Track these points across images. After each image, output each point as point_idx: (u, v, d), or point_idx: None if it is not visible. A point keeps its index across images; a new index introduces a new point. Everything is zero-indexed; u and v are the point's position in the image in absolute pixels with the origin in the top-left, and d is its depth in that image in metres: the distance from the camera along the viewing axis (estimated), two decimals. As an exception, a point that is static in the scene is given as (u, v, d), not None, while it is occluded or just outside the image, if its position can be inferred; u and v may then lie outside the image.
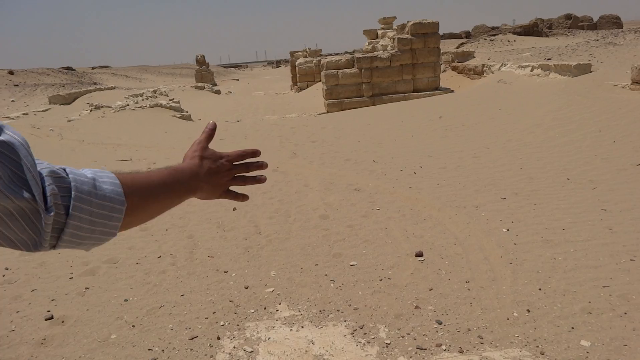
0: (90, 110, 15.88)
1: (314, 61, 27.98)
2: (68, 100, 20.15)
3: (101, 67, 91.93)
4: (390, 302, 3.70)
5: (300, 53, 31.33)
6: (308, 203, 6.25)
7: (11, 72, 32.72)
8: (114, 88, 26.17)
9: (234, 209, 6.20)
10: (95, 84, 30.62)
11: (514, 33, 30.93)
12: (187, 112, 16.10)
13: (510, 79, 14.09)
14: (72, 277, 4.48)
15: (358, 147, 9.42)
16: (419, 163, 7.84)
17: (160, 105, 15.98)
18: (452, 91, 16.52)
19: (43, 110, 17.86)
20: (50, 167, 0.70)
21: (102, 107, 16.12)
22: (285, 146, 10.05)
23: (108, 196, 0.74)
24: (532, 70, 13.93)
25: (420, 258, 4.38)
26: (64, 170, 0.71)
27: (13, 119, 15.68)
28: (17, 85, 25.43)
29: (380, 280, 4.04)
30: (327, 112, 16.17)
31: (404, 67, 16.24)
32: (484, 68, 17.02)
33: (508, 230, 4.84)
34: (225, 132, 12.42)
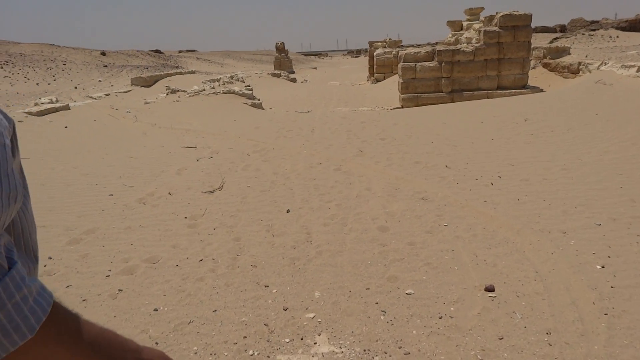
0: (167, 94, 16.18)
1: (393, 52, 27.07)
2: (149, 82, 20.82)
3: (188, 51, 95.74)
4: (450, 349, 3.08)
5: (380, 43, 30.46)
6: (368, 210, 5.69)
7: (103, 54, 34.64)
8: (193, 72, 26.80)
9: (288, 211, 5.77)
10: (177, 67, 31.63)
11: (617, 28, 28.14)
12: (259, 100, 15.96)
13: (610, 80, 12.56)
14: (109, 275, 4.26)
15: (430, 148, 8.67)
16: (498, 172, 7.00)
17: (233, 92, 15.96)
18: (542, 90, 15.12)
19: (124, 92, 18.52)
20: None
21: (178, 91, 16.38)
22: (352, 142, 9.50)
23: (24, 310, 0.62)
24: (638, 71, 12.32)
25: (490, 294, 3.70)
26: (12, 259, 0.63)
27: (95, 98, 16.35)
28: (105, 66, 26.78)
29: (440, 318, 3.42)
30: (402, 107, 15.39)
31: (488, 62, 15.06)
32: (580, 66, 15.41)
33: (603, 267, 4.01)
34: (294, 123, 12.07)
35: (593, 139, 8.42)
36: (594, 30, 28.32)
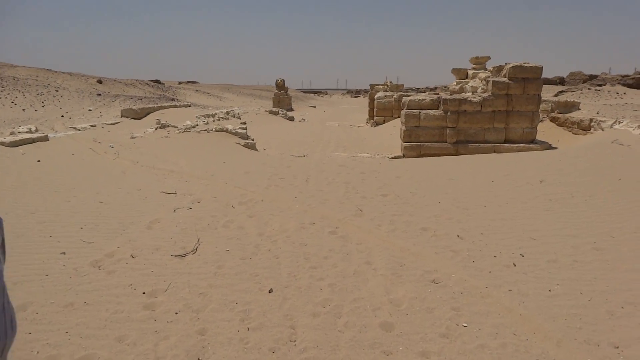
0: (156, 129, 15.30)
1: (394, 96, 26.55)
2: (140, 115, 19.97)
3: (189, 82, 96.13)
4: None
5: (381, 86, 30.02)
6: (368, 296, 4.65)
7: (100, 81, 34.01)
8: (189, 105, 26.06)
9: (270, 291, 4.73)
10: (173, 99, 30.96)
11: (623, 84, 27.79)
12: (252, 140, 15.08)
13: (627, 141, 11.78)
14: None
15: (438, 210, 7.70)
16: (519, 247, 6.01)
17: (226, 130, 15.09)
18: (551, 146, 14.34)
19: (112, 124, 17.64)
20: None
21: (168, 126, 15.50)
22: (350, 197, 8.53)
23: None
24: (656, 133, 11.57)
25: None
26: None
27: (79, 129, 15.42)
28: (99, 95, 26.03)
29: None
30: (404, 156, 14.54)
31: (496, 113, 14.33)
32: (592, 123, 14.69)
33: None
34: (288, 169, 11.13)
35: (621, 209, 7.48)
36: (599, 85, 27.97)
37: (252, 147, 14.66)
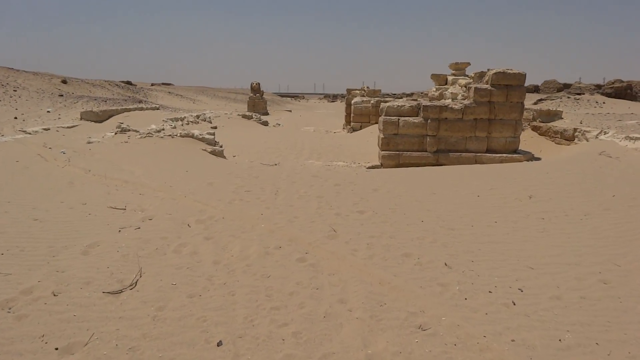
0: (115, 133, 14.15)
1: (372, 101, 25.85)
2: (101, 117, 18.69)
3: (163, 84, 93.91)
4: None
5: (358, 91, 29.29)
6: (340, 350, 3.76)
7: (64, 81, 32.31)
8: (157, 108, 24.85)
9: (219, 344, 3.79)
10: (141, 102, 29.59)
11: (602, 94, 27.64)
12: (220, 146, 14.06)
13: (615, 152, 11.21)
14: None
15: (421, 231, 6.86)
16: (515, 279, 5.21)
17: (192, 136, 14.04)
18: (533, 156, 13.75)
19: (68, 127, 16.36)
20: None
21: (128, 130, 14.36)
22: (323, 214, 7.63)
23: None
24: (645, 144, 11.03)
25: None
26: None
27: (30, 133, 14.14)
28: (61, 96, 24.52)
29: None
30: (381, 166, 13.73)
31: (478, 121, 13.66)
32: (577, 133, 14.16)
33: None
34: (256, 180, 10.17)
35: (621, 232, 6.77)
36: (578, 94, 27.84)
37: (220, 154, 13.65)
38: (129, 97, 36.44)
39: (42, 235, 6.21)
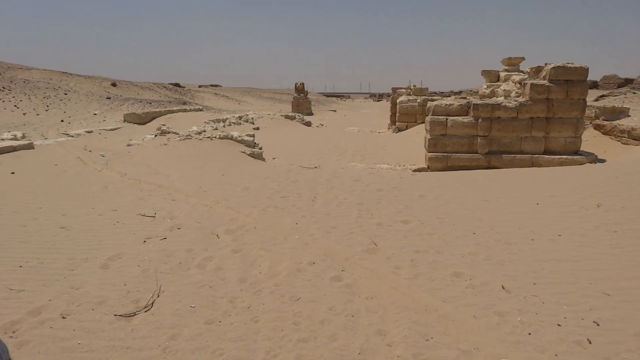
0: (155, 135, 14.02)
1: (418, 100, 24.91)
2: (144, 119, 18.76)
3: (212, 85, 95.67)
4: None
5: (404, 90, 28.36)
6: (377, 401, 3.11)
7: (114, 84, 33.11)
8: (201, 110, 24.87)
9: (234, 387, 3.23)
10: (185, 103, 29.83)
11: (672, 88, 25.38)
12: (260, 148, 13.66)
13: (696, 154, 9.96)
14: None
15: (473, 246, 6.10)
16: (589, 308, 4.39)
17: (231, 138, 13.70)
18: (597, 157, 12.55)
19: (111, 129, 16.43)
20: None
21: (168, 132, 14.20)
22: (363, 224, 6.98)
23: None
24: None
25: None
26: None
27: (72, 136, 14.23)
28: (109, 98, 25.00)
29: None
30: (428, 169, 12.91)
31: (534, 120, 12.60)
32: (647, 132, 12.84)
33: None
34: (294, 184, 9.65)
35: None
36: (645, 89, 25.72)
37: (259, 156, 13.23)
38: (175, 98, 36.99)
39: (65, 246, 5.89)
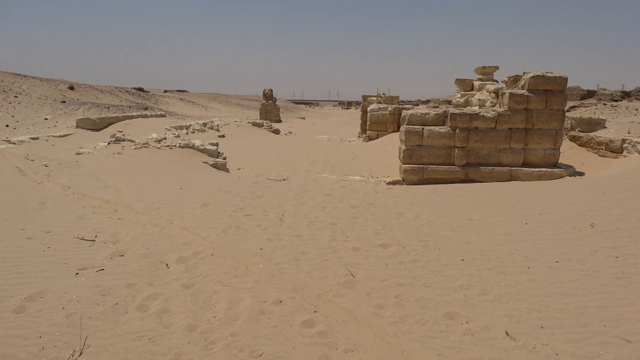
0: (108, 143, 12.83)
1: (389, 109, 24.36)
2: (99, 125, 17.45)
3: (178, 91, 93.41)
4: None
5: (375, 98, 27.81)
6: None
7: (71, 88, 31.33)
8: (163, 115, 23.60)
9: None
10: (146, 108, 28.43)
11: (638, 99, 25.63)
12: (224, 158, 12.67)
13: (681, 169, 9.54)
14: None
15: (464, 275, 5.32)
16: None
17: (193, 147, 12.66)
18: (575, 170, 12.10)
19: (61, 136, 15.10)
20: None
21: (123, 140, 13.04)
22: (337, 250, 6.12)
23: None
24: None
25: None
26: None
27: (14, 143, 12.89)
28: (63, 102, 23.44)
29: None
30: (403, 181, 12.19)
31: (513, 131, 12.06)
32: (625, 144, 12.47)
33: None
34: (259, 200, 8.72)
35: None
36: (615, 101, 25.93)
37: (223, 167, 12.24)
38: (138, 103, 35.41)
39: (-25, 281, 4.80)
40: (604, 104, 24.18)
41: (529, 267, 5.60)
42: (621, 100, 25.34)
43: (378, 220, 7.51)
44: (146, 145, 12.61)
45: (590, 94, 57.75)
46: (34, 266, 5.23)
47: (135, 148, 12.37)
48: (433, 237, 6.71)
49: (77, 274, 5.07)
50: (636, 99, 33.40)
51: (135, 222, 7.04)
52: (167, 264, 5.45)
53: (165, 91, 72.45)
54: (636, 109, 21.88)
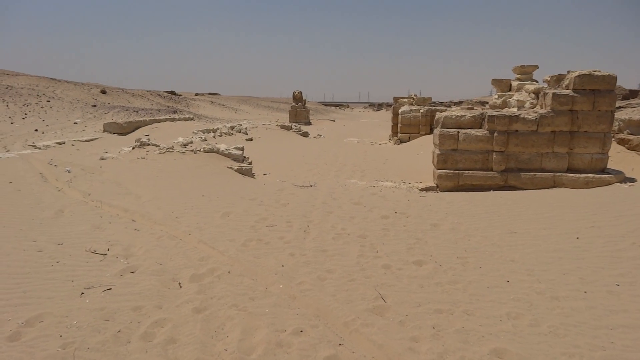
0: (133, 148, 12.60)
1: (421, 111, 23.60)
2: (126, 129, 17.36)
3: (210, 94, 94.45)
4: None
5: (406, 100, 27.05)
6: None
7: (103, 92, 31.71)
8: (191, 119, 23.48)
9: None
10: (175, 112, 28.46)
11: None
12: (249, 163, 12.27)
13: None
14: None
15: (511, 301, 4.68)
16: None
17: (217, 151, 12.30)
18: (625, 176, 11.17)
19: (87, 140, 15.02)
20: None
21: (147, 144, 12.80)
22: (366, 267, 5.56)
23: None
24: None
25: None
26: None
27: (40, 148, 12.81)
28: (94, 106, 23.63)
29: None
30: (437, 188, 11.51)
31: (557, 134, 11.22)
32: (682, 148, 11.45)
33: None
34: (284, 208, 8.24)
35: None
36: (665, 100, 24.45)
37: (247, 172, 11.83)
38: (169, 107, 35.63)
39: (-27, 302, 4.45)
40: (653, 104, 22.76)
41: (585, 292, 4.91)
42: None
43: (411, 233, 6.90)
44: (170, 150, 12.32)
45: (633, 93, 55.25)
46: (39, 284, 4.86)
47: (160, 153, 12.09)
48: (472, 253, 6.07)
49: (82, 293, 4.67)
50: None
51: (152, 234, 6.64)
52: (179, 283, 5.00)
53: (196, 94, 73.23)
54: (689, 109, 20.40)
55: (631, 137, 13.40)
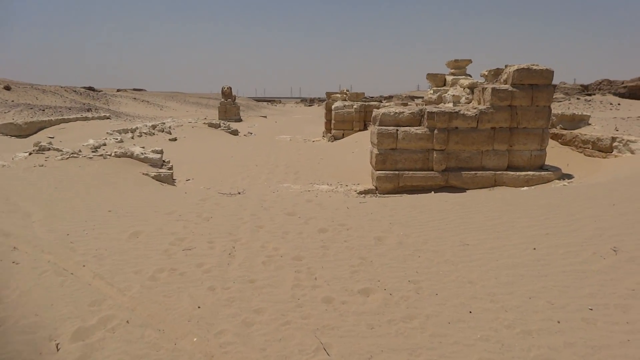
0: (30, 153, 10.84)
1: (355, 106, 22.95)
2: (27, 131, 15.27)
3: (134, 89, 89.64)
4: None
5: (339, 95, 26.36)
6: None
7: (7, 88, 28.51)
8: (107, 117, 21.42)
9: None
10: (89, 110, 26.05)
11: (614, 94, 24.97)
12: (169, 168, 10.91)
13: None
14: None
15: (479, 341, 3.87)
16: None
17: (131, 155, 10.83)
18: (562, 172, 10.97)
19: (-25, 145, 12.93)
20: None
21: (49, 149, 11.07)
22: (304, 301, 4.57)
23: None
24: None
25: None
26: None
27: None
28: (-7, 105, 20.93)
29: None
30: (376, 190, 10.75)
31: (497, 131, 10.82)
32: (616, 143, 11.41)
33: None
34: (205, 225, 7.07)
35: None
36: (589, 95, 25.36)
37: (167, 179, 10.47)
38: (84, 104, 32.78)
39: None
40: (577, 99, 23.55)
41: (559, 322, 4.19)
42: (594, 94, 24.72)
43: (354, 251, 5.99)
44: (76, 155, 10.70)
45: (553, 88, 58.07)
46: None
47: (62, 159, 10.44)
48: (425, 275, 5.24)
49: None
50: (598, 92, 33.26)
51: (34, 268, 5.27)
52: (57, 345, 3.76)
53: (118, 90, 69.05)
54: (610, 103, 21.22)
55: (564, 132, 13.36)
